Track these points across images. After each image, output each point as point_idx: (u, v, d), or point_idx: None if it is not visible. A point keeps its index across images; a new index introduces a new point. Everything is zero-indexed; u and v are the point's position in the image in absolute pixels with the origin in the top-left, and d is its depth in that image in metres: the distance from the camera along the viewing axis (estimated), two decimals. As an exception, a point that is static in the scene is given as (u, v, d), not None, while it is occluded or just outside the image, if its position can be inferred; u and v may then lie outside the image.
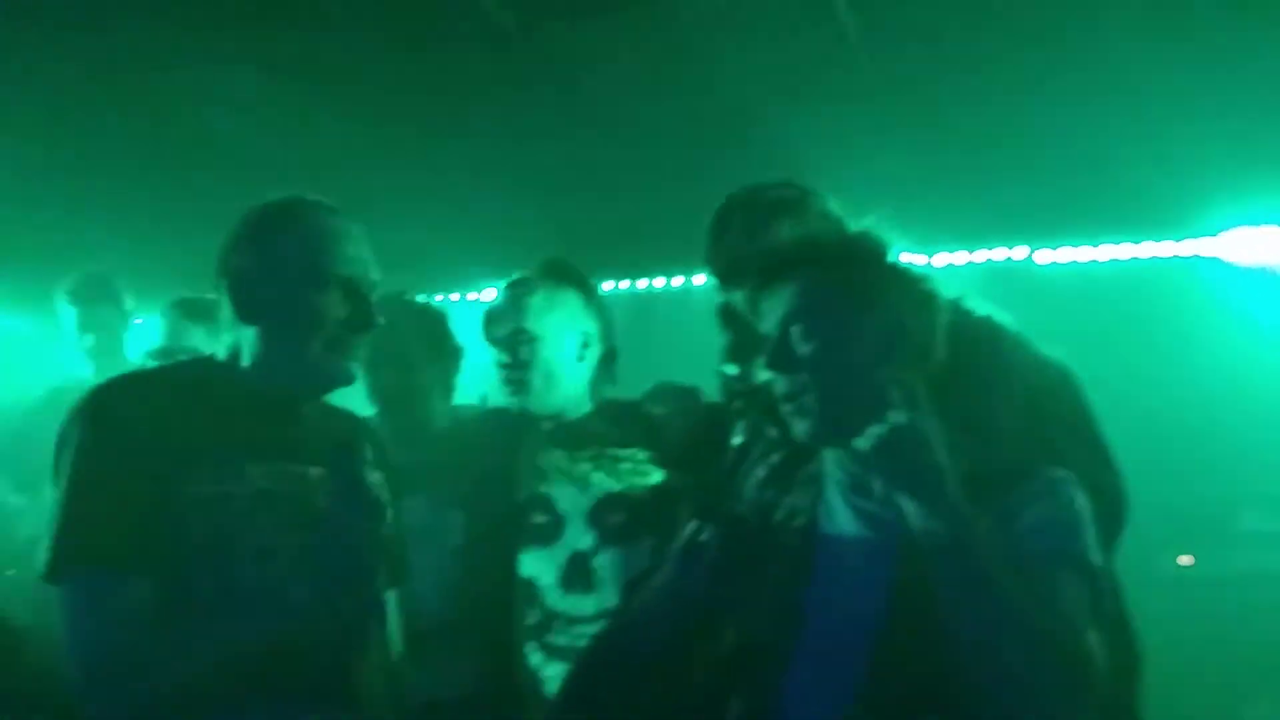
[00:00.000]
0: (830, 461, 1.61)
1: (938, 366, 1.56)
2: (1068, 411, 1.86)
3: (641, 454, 2.38)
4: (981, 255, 4.60)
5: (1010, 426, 1.70)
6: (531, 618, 2.36)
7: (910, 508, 1.40)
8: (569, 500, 2.38)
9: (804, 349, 1.53)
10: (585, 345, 2.44)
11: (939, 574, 1.38)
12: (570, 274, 2.48)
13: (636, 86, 3.14)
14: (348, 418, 1.93)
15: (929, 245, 4.18)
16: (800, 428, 1.55)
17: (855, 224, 1.72)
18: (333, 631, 1.64)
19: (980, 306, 1.89)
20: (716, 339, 2.13)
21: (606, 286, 4.58)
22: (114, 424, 1.60)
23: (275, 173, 1.85)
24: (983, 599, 1.36)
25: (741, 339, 1.94)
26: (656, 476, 2.35)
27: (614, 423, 2.44)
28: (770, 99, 3.15)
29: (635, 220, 4.08)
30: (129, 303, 3.58)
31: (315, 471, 1.69)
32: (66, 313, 3.50)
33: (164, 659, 1.52)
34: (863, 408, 1.47)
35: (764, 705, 1.49)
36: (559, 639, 2.31)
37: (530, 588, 2.37)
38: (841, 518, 1.57)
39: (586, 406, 2.47)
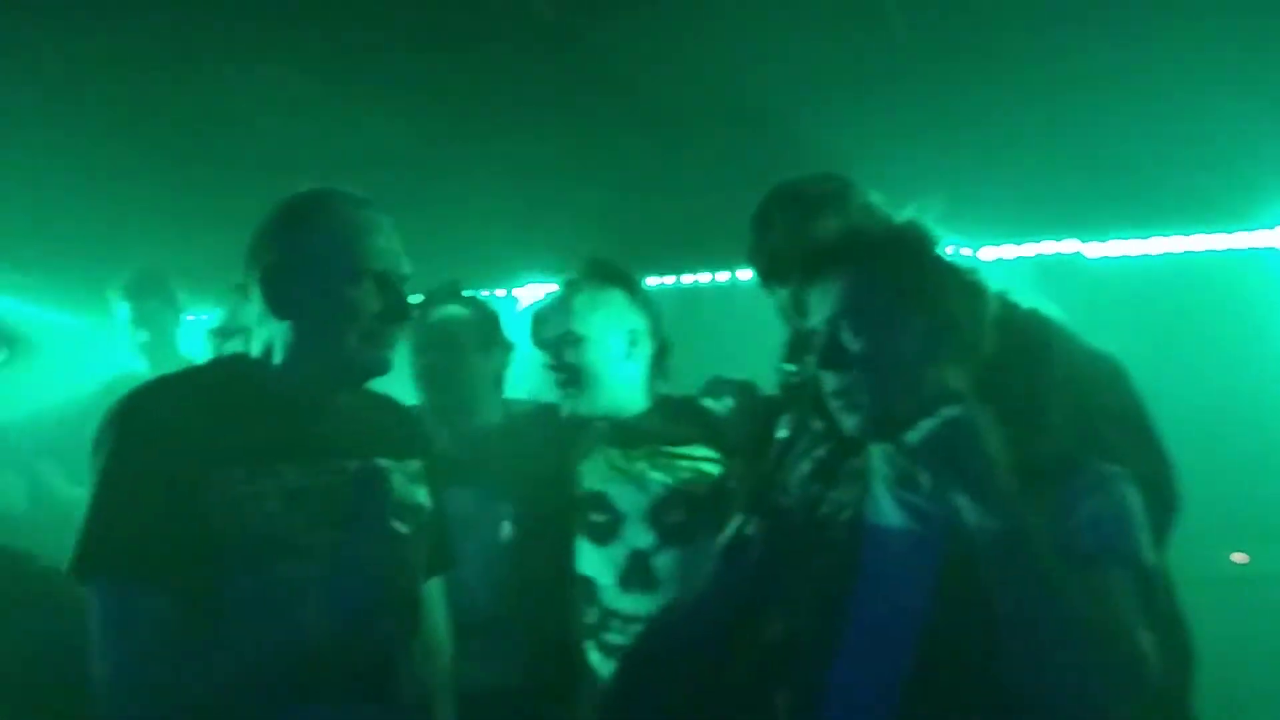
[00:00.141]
0: (877, 456, 1.60)
1: (986, 359, 1.55)
2: (1117, 403, 1.83)
3: (699, 451, 2.37)
4: (1030, 249, 4.54)
5: (1058, 419, 1.68)
6: (589, 616, 2.36)
7: (963, 502, 1.39)
8: (627, 499, 2.37)
9: (853, 344, 1.52)
10: (633, 343, 2.42)
11: (991, 569, 1.37)
12: (614, 272, 2.47)
13: (682, 81, 3.12)
14: (388, 407, 1.91)
15: (975, 239, 4.13)
16: (849, 422, 1.55)
17: (899, 215, 1.70)
18: (369, 627, 1.64)
19: (1026, 299, 1.87)
20: (760, 335, 2.12)
21: (651, 282, 4.57)
22: (143, 431, 1.59)
23: (325, 169, 1.85)
24: (1035, 595, 1.34)
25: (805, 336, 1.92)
26: (715, 474, 2.34)
27: (670, 419, 2.43)
28: (817, 92, 3.13)
29: (681, 216, 4.07)
30: (182, 298, 3.64)
31: (352, 465, 1.68)
32: (120, 309, 3.56)
33: (193, 664, 1.51)
34: (912, 401, 1.46)
35: (809, 699, 1.49)
36: (616, 638, 2.31)
37: (588, 586, 2.37)
38: (888, 512, 1.56)
39: (641, 403, 2.45)
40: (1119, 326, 2.01)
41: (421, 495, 1.73)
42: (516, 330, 2.74)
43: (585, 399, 2.40)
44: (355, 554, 1.61)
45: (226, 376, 1.75)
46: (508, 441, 2.56)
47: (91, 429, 1.63)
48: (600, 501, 2.40)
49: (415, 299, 2.64)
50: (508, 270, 4.93)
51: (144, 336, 3.53)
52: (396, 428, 1.87)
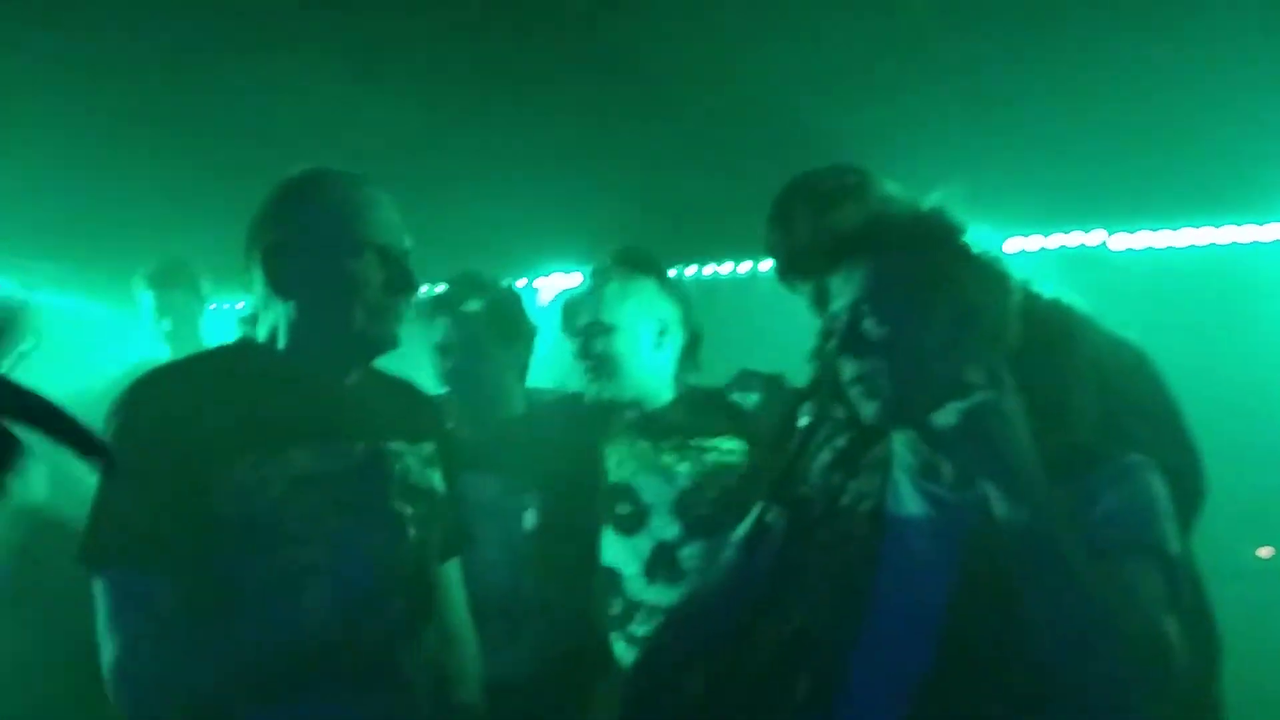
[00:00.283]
0: (899, 445, 1.59)
1: (1010, 349, 1.53)
2: (1141, 393, 1.82)
3: (726, 443, 2.37)
4: (1054, 240, 4.50)
5: (1082, 408, 1.67)
6: (614, 607, 2.36)
7: (991, 491, 1.38)
8: (653, 491, 2.37)
9: (875, 330, 1.52)
10: (662, 333, 2.42)
11: (1017, 559, 1.36)
12: (644, 261, 2.46)
13: (704, 70, 3.11)
14: (402, 389, 1.89)
15: (999, 231, 4.10)
16: (868, 409, 1.54)
17: (924, 203, 1.69)
18: (376, 613, 1.62)
19: (1050, 288, 1.85)
20: (780, 327, 2.11)
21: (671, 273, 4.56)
22: (147, 420, 1.57)
23: (348, 158, 1.85)
24: (1061, 586, 1.33)
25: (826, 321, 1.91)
26: (743, 466, 2.33)
27: (697, 411, 2.42)
28: (840, 81, 3.11)
29: (703, 206, 4.06)
30: (205, 287, 3.66)
31: (360, 447, 1.66)
32: (144, 298, 3.58)
33: (200, 652, 1.50)
34: (933, 389, 1.45)
35: (829, 688, 1.48)
36: (641, 629, 2.30)
37: (613, 577, 2.37)
38: (909, 501, 1.55)
39: (668, 394, 2.44)
40: (1144, 319, 1.98)
41: (435, 479, 1.72)
42: (537, 318, 2.73)
43: (613, 387, 2.40)
44: (360, 539, 1.59)
45: (233, 361, 1.74)
46: (532, 430, 2.56)
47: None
48: (627, 492, 2.39)
49: (436, 290, 2.67)
50: (528, 259, 4.93)
51: (168, 325, 3.55)
52: (410, 410, 1.85)
